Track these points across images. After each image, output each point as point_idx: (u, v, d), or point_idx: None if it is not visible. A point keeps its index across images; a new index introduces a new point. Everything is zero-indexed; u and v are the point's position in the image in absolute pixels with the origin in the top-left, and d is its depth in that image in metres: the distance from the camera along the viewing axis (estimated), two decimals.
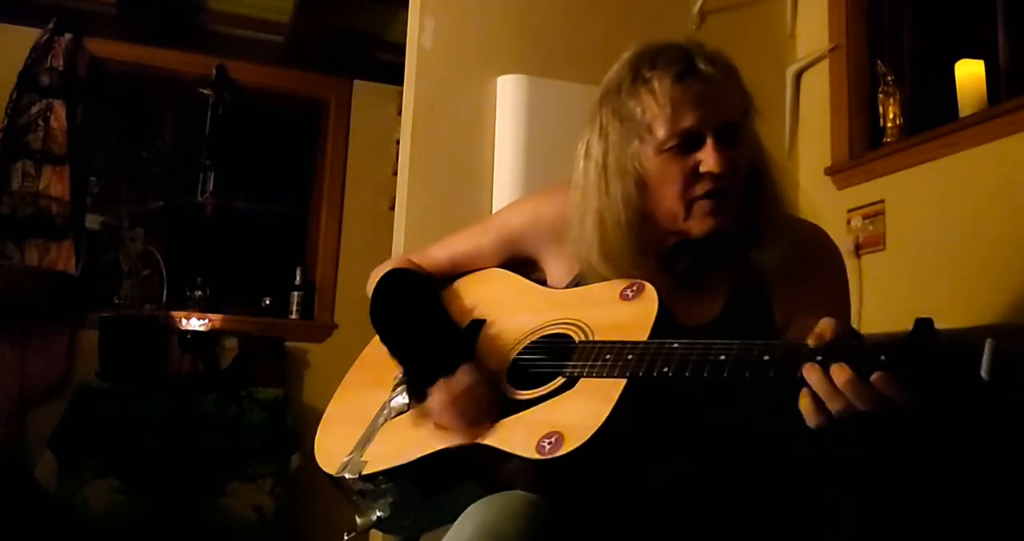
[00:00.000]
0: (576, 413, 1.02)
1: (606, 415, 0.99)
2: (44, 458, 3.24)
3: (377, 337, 1.38)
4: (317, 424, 1.33)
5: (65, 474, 3.16)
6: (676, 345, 1.02)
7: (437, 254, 1.41)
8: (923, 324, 0.85)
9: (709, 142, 1.12)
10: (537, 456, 0.99)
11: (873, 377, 0.87)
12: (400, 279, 1.37)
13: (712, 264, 1.21)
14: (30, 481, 3.19)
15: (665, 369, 1.00)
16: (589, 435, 0.97)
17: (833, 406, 0.90)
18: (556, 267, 1.31)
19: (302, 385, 3.88)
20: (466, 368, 1.14)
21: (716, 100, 1.13)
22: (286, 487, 3.42)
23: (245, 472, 3.35)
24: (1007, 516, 1.61)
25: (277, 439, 3.43)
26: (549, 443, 0.99)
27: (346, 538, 1.19)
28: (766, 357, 0.94)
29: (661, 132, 1.12)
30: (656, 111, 1.12)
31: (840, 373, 0.89)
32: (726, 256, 1.19)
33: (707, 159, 1.11)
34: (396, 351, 1.26)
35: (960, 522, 1.67)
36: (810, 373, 0.91)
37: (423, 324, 1.26)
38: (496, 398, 1.13)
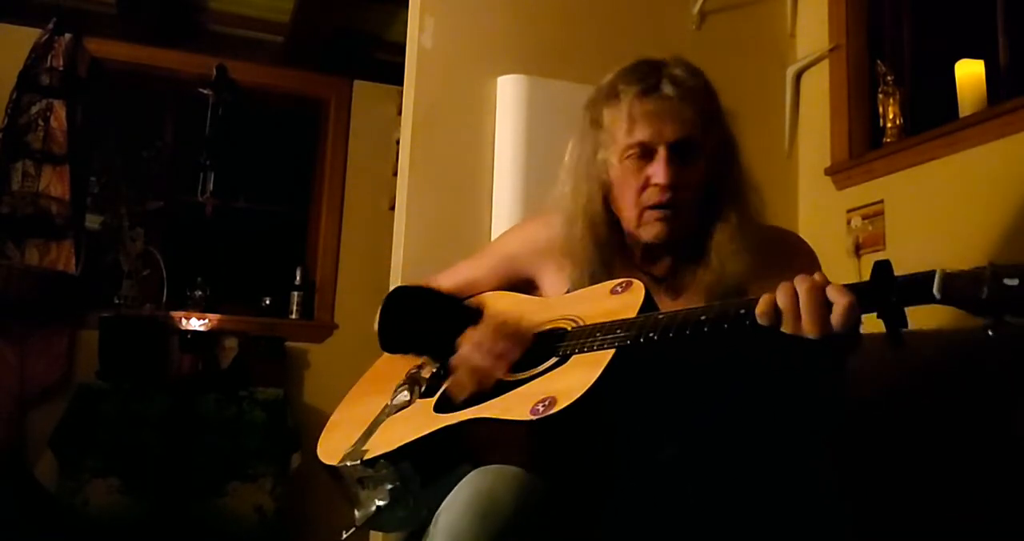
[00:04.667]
0: (568, 380, 1.08)
1: (596, 376, 1.04)
2: (44, 458, 3.24)
3: (381, 358, 1.45)
4: (317, 424, 1.37)
5: (65, 474, 3.17)
6: (661, 316, 1.10)
7: (440, 283, 1.48)
8: (882, 265, 0.97)
9: (660, 156, 1.22)
10: (531, 417, 1.03)
11: (828, 287, 0.97)
12: (407, 288, 1.46)
13: (687, 265, 1.30)
14: (30, 481, 3.20)
15: (651, 334, 1.06)
16: (580, 394, 1.02)
17: (785, 303, 0.98)
18: (550, 283, 1.40)
19: (302, 385, 3.88)
20: (489, 314, 1.22)
21: (671, 118, 1.23)
22: (286, 487, 3.42)
23: (245, 472, 3.35)
24: (1000, 513, 1.62)
25: (277, 439, 3.43)
26: (543, 405, 1.04)
27: (344, 536, 1.20)
28: (742, 311, 1.02)
29: (621, 141, 1.24)
30: (620, 122, 1.24)
31: (803, 281, 0.99)
32: (699, 260, 1.28)
33: (656, 172, 1.22)
34: (415, 331, 1.34)
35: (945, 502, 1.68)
36: (782, 284, 1.00)
37: (437, 302, 1.36)
38: (524, 329, 1.21)
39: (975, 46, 2.15)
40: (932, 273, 0.92)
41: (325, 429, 1.35)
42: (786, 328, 0.98)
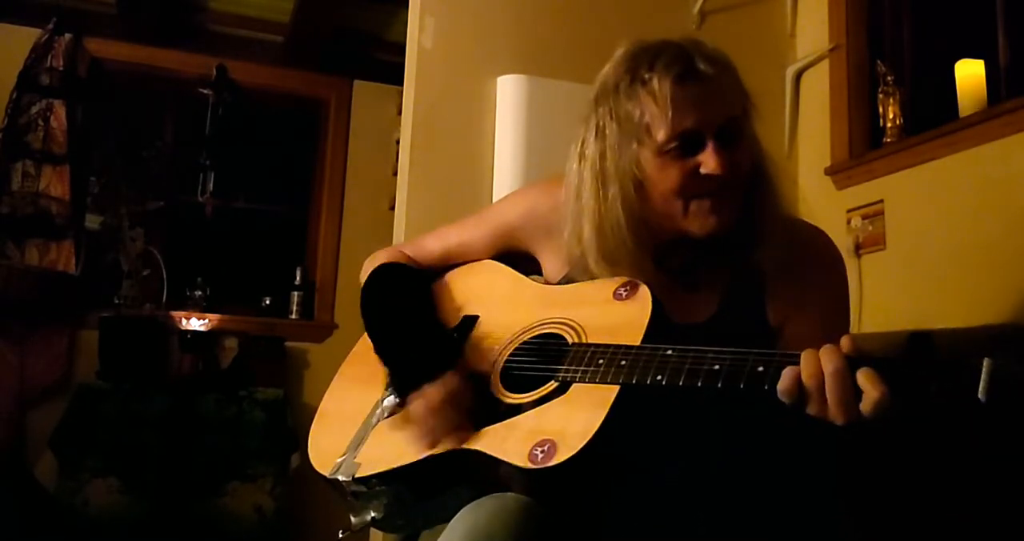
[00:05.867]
0: (569, 420, 1.01)
1: (599, 424, 0.98)
2: (44, 458, 3.24)
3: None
4: None
5: (65, 474, 3.17)
6: (670, 352, 1.01)
7: (431, 245, 1.39)
8: (920, 339, 0.86)
9: (710, 144, 1.10)
10: (529, 465, 0.99)
11: (859, 371, 0.88)
12: (391, 274, 1.36)
13: (707, 262, 1.20)
14: (30, 481, 3.20)
15: (659, 377, 0.99)
16: (582, 445, 0.97)
17: (810, 384, 0.90)
18: (550, 261, 1.30)
19: (302, 385, 3.88)
20: (450, 376, 1.12)
21: (716, 100, 1.11)
22: (286, 487, 3.42)
23: (245, 472, 3.35)
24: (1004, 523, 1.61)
25: (277, 439, 3.43)
26: (542, 452, 0.99)
27: (341, 537, 1.19)
28: (760, 368, 0.94)
29: (661, 134, 1.10)
30: (656, 113, 1.10)
31: (830, 358, 0.90)
32: (722, 254, 1.19)
33: (708, 161, 1.10)
34: (382, 351, 1.25)
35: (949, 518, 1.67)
36: (806, 356, 0.92)
37: (410, 325, 1.25)
38: (475, 406, 1.12)
39: (975, 46, 2.15)
40: (978, 365, 0.80)
41: (314, 423, 1.30)
42: (810, 410, 0.91)
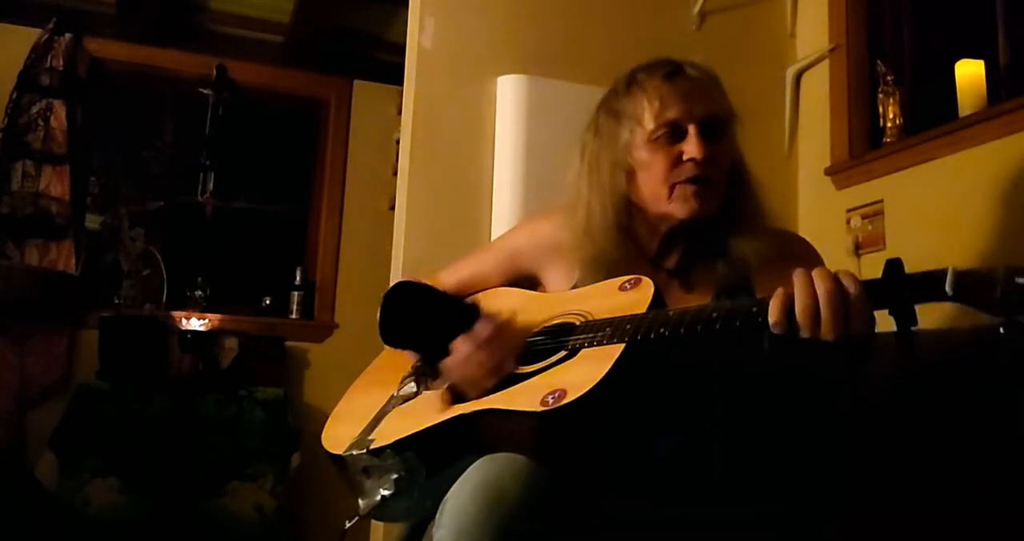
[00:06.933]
0: (578, 373, 1.08)
1: (607, 369, 1.05)
2: (44, 458, 3.24)
3: (386, 350, 1.43)
4: (317, 424, 1.36)
5: (65, 474, 3.16)
6: (671, 312, 1.09)
7: (444, 279, 1.47)
8: (893, 264, 0.96)
9: (692, 132, 1.23)
10: (541, 408, 1.04)
11: (845, 281, 0.97)
12: (408, 283, 1.42)
13: (699, 259, 1.30)
14: (30, 481, 3.20)
15: (662, 330, 1.06)
16: (591, 386, 1.03)
17: (802, 300, 0.97)
18: (555, 279, 1.39)
19: (302, 385, 3.88)
20: (484, 320, 1.21)
21: (700, 97, 1.25)
22: (287, 486, 3.42)
23: (245, 471, 3.35)
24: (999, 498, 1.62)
25: (277, 439, 3.44)
26: (552, 398, 1.04)
27: (348, 525, 1.20)
28: (754, 309, 1.02)
29: (649, 123, 1.24)
30: (646, 105, 1.25)
31: (822, 276, 0.98)
32: (711, 250, 1.28)
33: (689, 147, 1.23)
34: (410, 330, 1.32)
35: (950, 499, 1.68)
36: (798, 274, 0.99)
37: (435, 302, 1.34)
38: (522, 340, 1.20)
39: (975, 46, 2.15)
40: (944, 271, 0.92)
41: (329, 419, 1.35)
42: (804, 331, 0.97)
